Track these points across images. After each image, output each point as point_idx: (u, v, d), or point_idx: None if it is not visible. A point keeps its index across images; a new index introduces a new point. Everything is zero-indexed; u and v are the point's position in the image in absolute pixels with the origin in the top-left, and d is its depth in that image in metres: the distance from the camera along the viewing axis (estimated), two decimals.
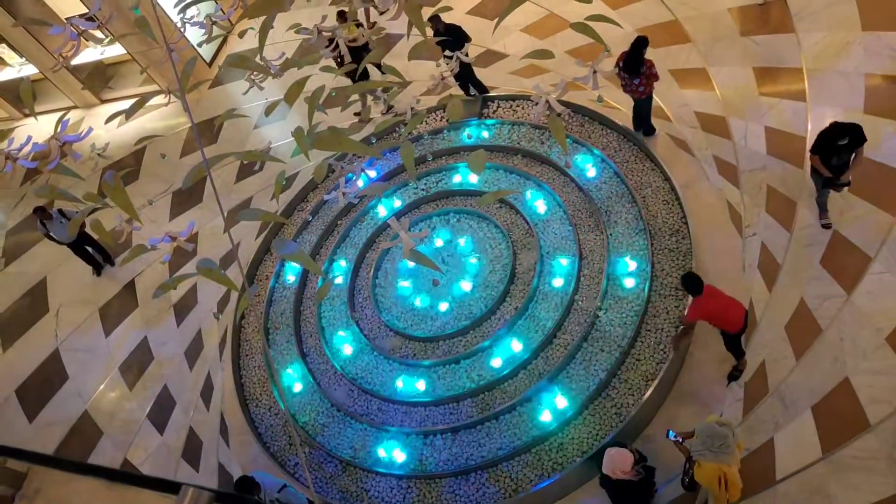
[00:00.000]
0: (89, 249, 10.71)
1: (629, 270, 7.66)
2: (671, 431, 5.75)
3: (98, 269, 10.92)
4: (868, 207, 6.80)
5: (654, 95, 8.31)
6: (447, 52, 3.71)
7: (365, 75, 10.09)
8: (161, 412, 8.91)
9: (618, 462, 5.52)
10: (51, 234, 10.10)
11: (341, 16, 8.93)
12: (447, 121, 10.23)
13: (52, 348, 10.14)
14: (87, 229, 10.40)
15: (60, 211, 10.01)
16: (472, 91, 10.22)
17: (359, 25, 8.76)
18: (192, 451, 8.44)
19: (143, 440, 8.73)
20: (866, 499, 5.25)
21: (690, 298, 6.23)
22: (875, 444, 5.44)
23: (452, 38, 8.46)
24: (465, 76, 9.87)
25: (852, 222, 6.82)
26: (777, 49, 8.85)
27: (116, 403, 9.26)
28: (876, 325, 6.02)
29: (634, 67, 7.82)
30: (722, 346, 7.00)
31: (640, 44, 7.74)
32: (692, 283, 5.95)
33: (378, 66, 10.27)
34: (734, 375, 6.73)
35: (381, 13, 2.87)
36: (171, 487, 1.00)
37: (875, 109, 7.41)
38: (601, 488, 5.99)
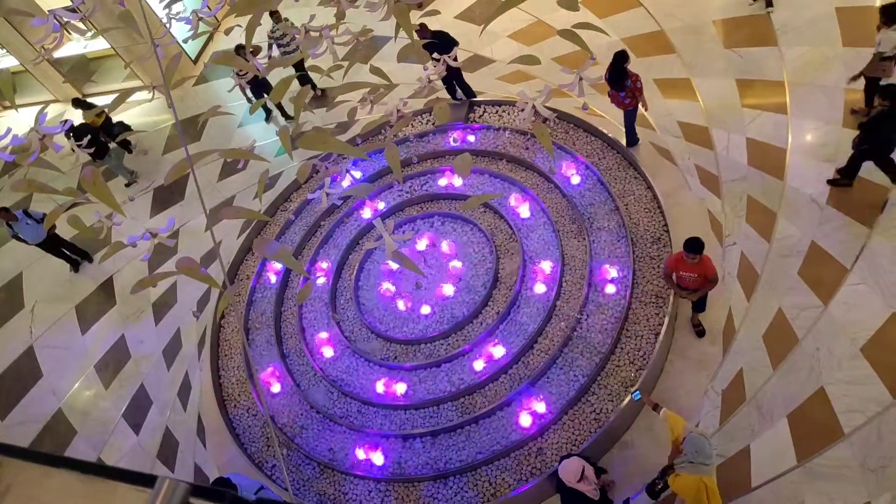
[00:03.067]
0: (62, 249, 10.52)
1: (610, 277, 7.71)
2: (637, 393, 6.07)
3: (76, 266, 10.77)
4: (845, 220, 6.91)
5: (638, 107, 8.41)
6: (435, 55, 3.71)
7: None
8: (137, 412, 8.80)
9: (566, 470, 5.55)
10: (19, 235, 9.89)
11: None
12: (433, 124, 10.24)
13: (27, 345, 9.97)
14: (57, 231, 10.22)
15: (25, 212, 9.79)
16: (459, 95, 10.24)
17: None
18: (168, 451, 8.33)
19: (118, 440, 8.61)
20: None
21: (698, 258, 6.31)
22: (848, 454, 5.53)
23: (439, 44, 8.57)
24: (454, 79, 9.90)
25: (830, 234, 6.93)
26: (760, 62, 8.99)
27: (91, 402, 9.12)
28: (851, 335, 6.11)
29: (618, 82, 7.95)
30: (699, 351, 7.09)
31: (620, 59, 7.88)
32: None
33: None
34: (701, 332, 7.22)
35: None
36: (147, 481, 0.99)
37: (853, 124, 7.54)
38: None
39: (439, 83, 10.21)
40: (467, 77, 10.23)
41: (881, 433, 5.45)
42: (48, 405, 9.16)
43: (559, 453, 6.77)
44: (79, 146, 3.08)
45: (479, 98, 10.33)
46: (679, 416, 5.49)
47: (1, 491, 1.10)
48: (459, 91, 10.19)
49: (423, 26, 9.05)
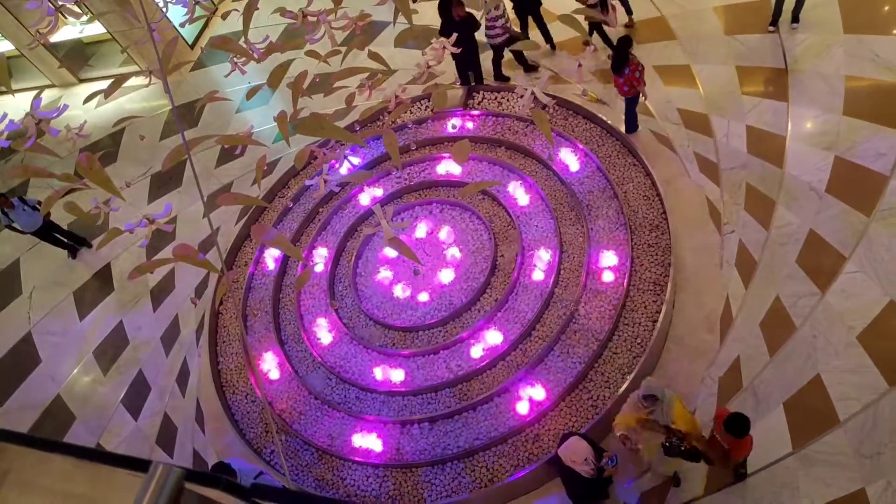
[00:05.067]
0: (57, 236, 10.46)
1: (609, 264, 7.71)
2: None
3: (73, 252, 10.74)
4: (843, 207, 6.91)
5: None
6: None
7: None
8: (136, 397, 8.82)
9: (571, 450, 5.58)
10: (13, 224, 9.81)
11: None
12: (432, 110, 10.19)
13: (25, 331, 9.97)
14: (53, 218, 10.18)
15: (21, 198, 9.72)
16: (457, 78, 10.16)
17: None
18: (166, 437, 8.37)
19: (117, 425, 8.64)
20: (833, 493, 5.37)
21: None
22: (843, 441, 5.56)
23: (464, 26, 8.59)
24: (470, 61, 9.76)
25: (828, 222, 6.93)
26: (760, 49, 8.94)
27: (90, 388, 9.14)
28: (848, 323, 6.13)
29: (618, 66, 7.94)
30: (696, 339, 7.11)
31: (625, 43, 7.86)
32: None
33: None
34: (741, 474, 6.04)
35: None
36: (141, 466, 0.99)
37: (854, 112, 7.52)
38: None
39: (438, 68, 10.12)
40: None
41: (876, 420, 5.49)
42: (47, 391, 9.17)
43: (556, 440, 6.80)
44: None
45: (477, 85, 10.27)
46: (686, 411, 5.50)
47: None
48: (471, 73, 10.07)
49: (460, 4, 8.97)
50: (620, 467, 6.15)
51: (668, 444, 5.36)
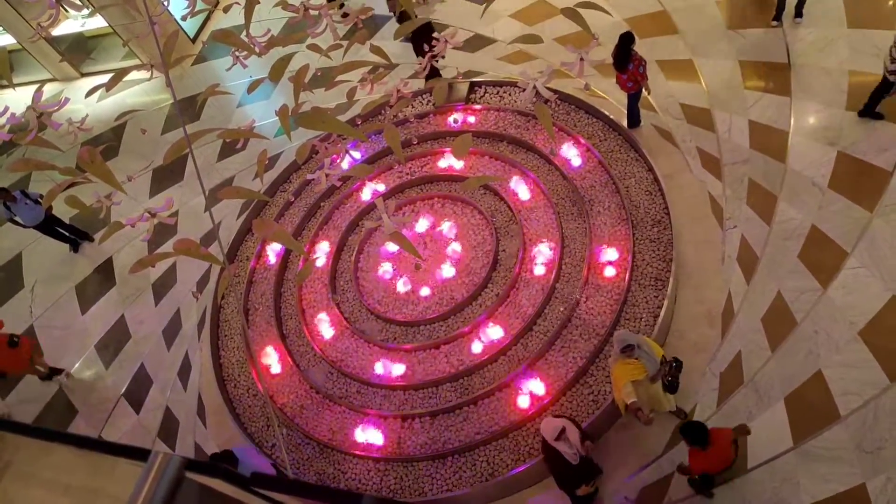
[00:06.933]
0: (59, 230, 10.46)
1: (610, 259, 7.71)
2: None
3: (75, 246, 10.74)
4: (846, 202, 6.90)
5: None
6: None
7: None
8: (137, 391, 8.84)
9: (547, 426, 5.63)
10: (15, 217, 9.80)
11: None
12: (434, 104, 10.17)
13: (27, 324, 9.99)
14: (54, 212, 10.18)
15: (23, 192, 9.70)
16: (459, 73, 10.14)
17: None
18: (168, 430, 8.39)
19: (119, 419, 8.67)
20: (834, 488, 5.38)
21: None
22: (844, 436, 5.57)
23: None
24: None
25: (830, 217, 6.92)
26: (763, 43, 8.91)
27: (92, 381, 9.17)
28: (850, 319, 6.13)
29: (622, 63, 7.90)
30: (698, 334, 7.10)
31: (627, 40, 7.81)
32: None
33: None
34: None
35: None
36: (144, 456, 0.99)
37: (857, 107, 7.50)
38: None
39: (440, 63, 10.12)
40: (469, 57, 10.13)
41: (877, 416, 5.49)
42: (49, 384, 9.20)
43: None
44: None
45: (479, 79, 10.25)
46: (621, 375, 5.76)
47: (0, 467, 1.11)
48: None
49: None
50: (620, 460, 6.18)
51: (669, 378, 5.81)
